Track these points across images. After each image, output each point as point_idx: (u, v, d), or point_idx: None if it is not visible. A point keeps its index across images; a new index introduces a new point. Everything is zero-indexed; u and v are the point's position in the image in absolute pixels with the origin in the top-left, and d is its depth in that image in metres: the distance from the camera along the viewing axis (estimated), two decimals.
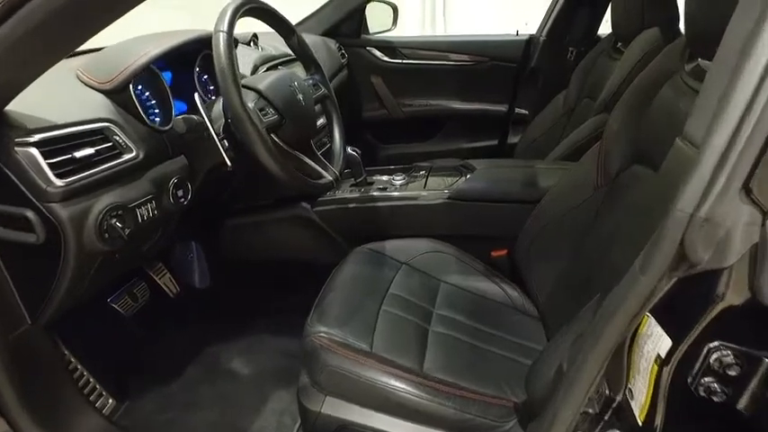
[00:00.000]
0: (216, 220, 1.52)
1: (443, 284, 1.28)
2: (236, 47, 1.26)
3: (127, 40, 1.09)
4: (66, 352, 1.16)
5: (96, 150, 0.90)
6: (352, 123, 2.29)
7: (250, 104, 0.97)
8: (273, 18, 1.14)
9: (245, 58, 1.39)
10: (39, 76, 0.79)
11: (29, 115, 0.86)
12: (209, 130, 0.96)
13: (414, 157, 2.24)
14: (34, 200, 0.84)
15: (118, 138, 0.95)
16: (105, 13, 0.73)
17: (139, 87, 1.08)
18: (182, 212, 1.11)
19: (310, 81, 1.22)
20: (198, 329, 1.56)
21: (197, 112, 1.04)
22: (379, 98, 2.25)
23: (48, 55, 0.76)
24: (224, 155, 0.97)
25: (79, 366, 1.20)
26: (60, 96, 0.95)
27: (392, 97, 2.24)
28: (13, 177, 0.83)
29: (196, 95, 0.97)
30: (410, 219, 1.46)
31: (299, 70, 1.35)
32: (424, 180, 1.54)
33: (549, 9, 2.12)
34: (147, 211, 0.98)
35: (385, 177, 1.58)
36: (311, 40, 2.01)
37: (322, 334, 1.02)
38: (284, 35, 1.19)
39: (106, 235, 0.90)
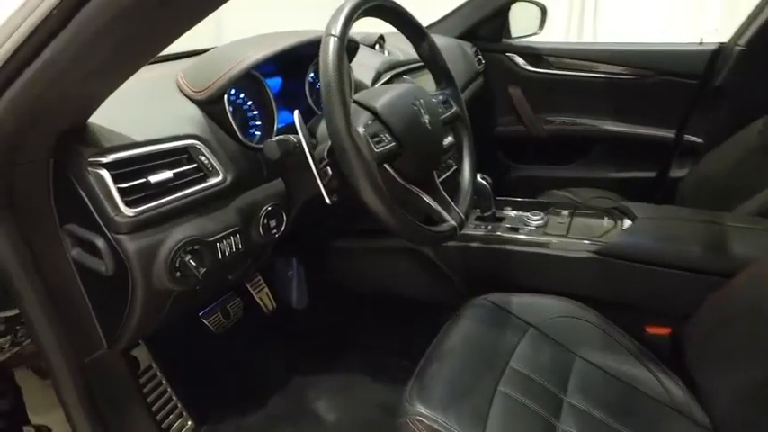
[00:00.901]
0: (320, 240, 1.34)
1: (579, 360, 0.97)
2: (356, 51, 1.05)
3: (233, 41, 0.92)
4: (153, 365, 1.05)
5: (175, 174, 0.73)
6: (483, 138, 2.01)
7: (360, 129, 0.74)
8: (401, 19, 0.90)
9: (368, 64, 1.18)
10: (117, 86, 0.64)
11: (109, 129, 0.71)
12: (306, 156, 0.75)
13: (550, 182, 1.90)
14: (104, 227, 0.69)
15: (204, 158, 0.77)
16: (180, 15, 0.54)
17: (241, 96, 0.91)
18: (274, 242, 0.93)
19: (440, 97, 0.97)
20: (288, 356, 1.40)
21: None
22: (517, 112, 1.93)
23: (122, 62, 0.59)
24: (322, 188, 0.76)
25: (164, 382, 1.08)
26: (151, 106, 0.80)
27: (531, 112, 1.91)
28: (86, 200, 0.69)
29: (296, 113, 0.76)
30: (545, 271, 1.16)
31: (427, 80, 1.10)
32: (567, 223, 1.21)
33: (753, 12, 1.63)
34: (230, 246, 0.80)
35: (518, 214, 1.28)
36: (445, 43, 1.75)
37: (421, 417, 0.80)
38: (413, 40, 0.95)
39: (178, 273, 0.74)
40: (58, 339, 0.79)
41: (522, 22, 1.97)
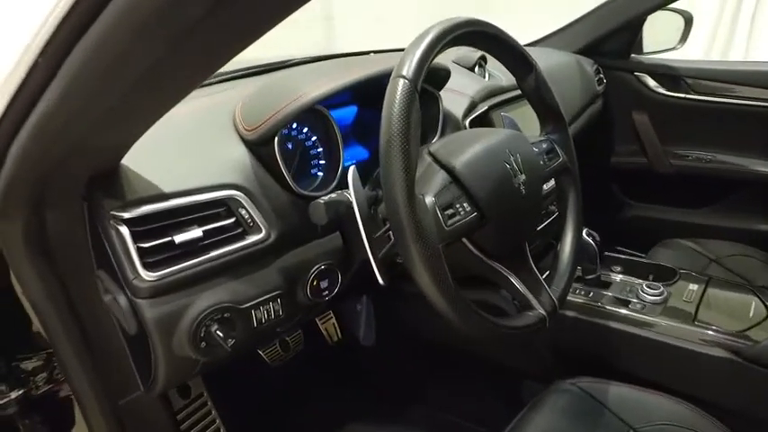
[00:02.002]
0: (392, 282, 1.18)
1: None
2: (446, 80, 0.86)
3: (301, 68, 0.77)
4: (205, 393, 0.97)
5: (206, 231, 0.60)
6: (596, 169, 1.71)
7: (429, 198, 0.56)
8: (502, 47, 0.69)
9: (462, 90, 0.98)
10: (141, 132, 0.52)
11: (138, 176, 0.60)
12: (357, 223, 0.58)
13: (672, 227, 1.56)
14: (125, 287, 0.59)
15: (244, 212, 0.64)
16: (210, 47, 0.39)
17: (304, 131, 0.76)
18: (327, 304, 0.78)
19: (544, 145, 0.75)
20: (347, 398, 1.26)
21: None
22: (640, 141, 1.60)
23: (136, 109, 0.47)
24: (374, 266, 0.59)
25: (213, 411, 1.00)
26: (193, 146, 0.67)
27: (658, 142, 1.57)
28: (110, 254, 0.59)
29: (352, 169, 0.60)
30: (657, 362, 0.89)
31: (526, 114, 0.87)
32: (696, 302, 0.93)
33: None
34: (269, 312, 0.67)
35: (629, 280, 1.01)
36: (561, 59, 1.49)
37: None
38: (517, 72, 0.74)
39: (203, 344, 0.62)
40: (91, 382, 0.71)
41: (658, 35, 1.63)
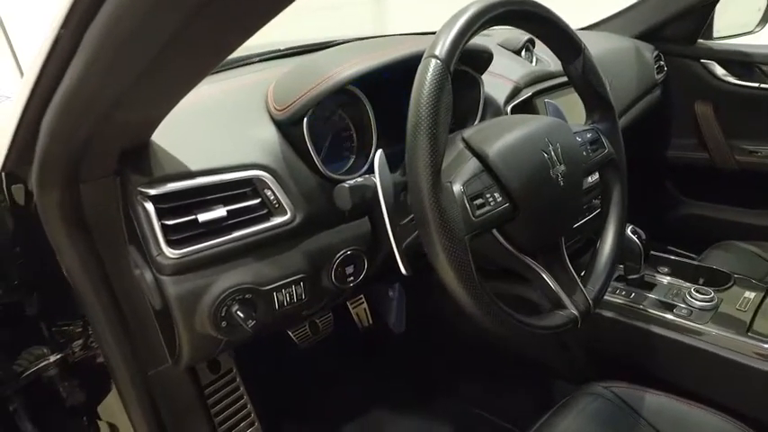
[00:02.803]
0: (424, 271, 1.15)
1: None
2: (488, 62, 0.81)
3: (334, 48, 0.75)
4: (234, 368, 0.99)
5: (230, 211, 0.60)
6: (650, 162, 1.60)
7: (458, 186, 0.52)
8: (549, 29, 0.64)
9: (506, 75, 0.93)
10: (168, 109, 0.51)
11: (166, 153, 0.59)
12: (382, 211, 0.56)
13: (731, 228, 1.45)
14: (150, 263, 0.60)
15: (270, 193, 0.63)
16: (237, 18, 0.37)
17: (339, 113, 0.74)
18: (353, 290, 0.76)
19: (588, 135, 0.70)
20: (373, 384, 1.25)
21: None
22: (701, 135, 1.48)
23: (161, 85, 0.46)
24: (398, 256, 0.56)
25: (241, 387, 1.02)
26: (224, 125, 0.66)
27: (722, 136, 1.45)
28: (137, 229, 0.59)
29: (379, 153, 0.57)
30: (700, 371, 0.83)
31: (574, 102, 0.81)
32: (752, 311, 0.85)
33: None
34: (291, 296, 0.66)
35: (676, 283, 0.94)
36: (618, 44, 1.39)
37: None
38: (563, 55, 0.68)
39: (224, 323, 0.62)
40: (122, 352, 0.73)
41: (733, 18, 1.48)
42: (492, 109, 0.87)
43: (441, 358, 1.26)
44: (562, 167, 0.60)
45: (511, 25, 0.61)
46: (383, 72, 0.68)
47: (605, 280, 0.67)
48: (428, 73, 0.50)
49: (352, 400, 1.20)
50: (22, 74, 2.76)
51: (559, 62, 0.70)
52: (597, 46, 1.32)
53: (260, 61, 0.96)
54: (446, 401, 1.17)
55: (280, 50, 0.97)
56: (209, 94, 0.77)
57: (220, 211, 0.59)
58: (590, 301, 0.64)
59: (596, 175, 0.85)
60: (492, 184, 0.55)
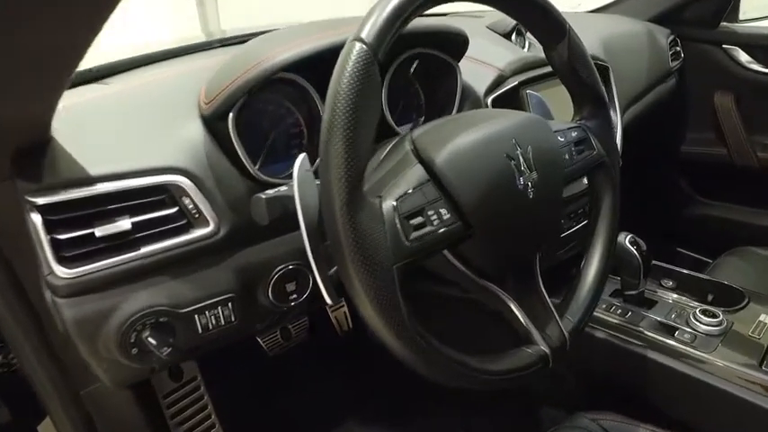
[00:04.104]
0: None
1: None
2: (464, 46, 0.70)
3: (275, 32, 0.63)
4: (199, 377, 0.91)
5: (137, 224, 0.50)
6: (661, 158, 1.45)
7: (388, 203, 0.41)
8: (521, 5, 0.52)
9: (490, 61, 0.80)
10: (50, 98, 0.41)
11: (65, 155, 0.49)
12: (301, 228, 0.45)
13: (749, 232, 1.31)
14: (46, 284, 0.51)
15: (189, 201, 0.53)
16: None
17: (286, 107, 0.63)
18: (301, 309, 0.66)
19: (574, 134, 0.57)
20: (347, 397, 1.15)
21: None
22: (720, 129, 1.33)
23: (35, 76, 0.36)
24: (320, 283, 0.46)
25: (205, 397, 0.94)
26: (144, 121, 0.56)
27: (743, 131, 1.29)
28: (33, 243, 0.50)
29: (301, 157, 0.46)
30: (705, 410, 0.71)
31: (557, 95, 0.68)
32: None
33: None
34: (217, 319, 0.56)
35: (681, 301, 0.82)
36: (626, 28, 1.24)
37: None
38: (544, 39, 0.56)
39: (134, 350, 0.52)
40: (47, 371, 0.65)
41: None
42: (470, 101, 0.75)
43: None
44: (533, 175, 0.48)
45: (471, 1, 0.49)
46: (329, 58, 0.57)
47: (587, 309, 0.56)
48: (349, 61, 0.38)
49: (325, 409, 1.11)
50: None
51: None
52: (605, 30, 1.18)
53: (221, 47, 0.85)
54: (423, 422, 1.08)
55: (240, 37, 0.86)
56: (139, 83, 0.67)
57: (124, 224, 0.49)
58: (566, 335, 0.53)
59: (584, 183, 0.73)
60: (438, 197, 0.44)
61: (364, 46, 0.39)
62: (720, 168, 1.35)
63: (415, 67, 0.73)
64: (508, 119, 0.51)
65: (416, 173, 0.45)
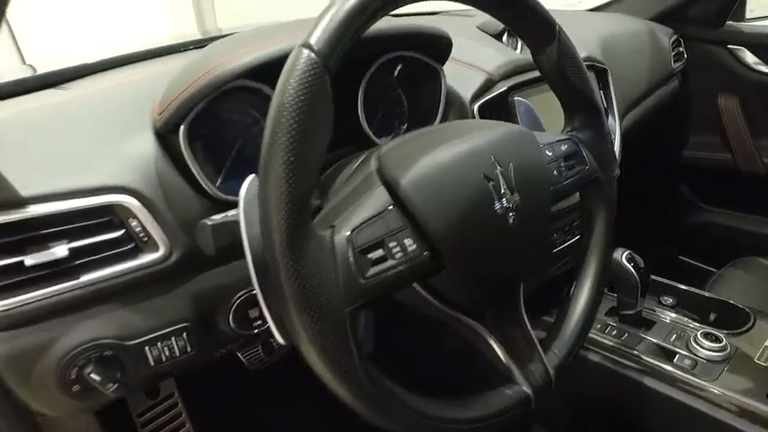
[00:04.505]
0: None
1: None
2: (448, 49, 0.65)
3: (233, 36, 0.58)
4: (176, 393, 0.86)
5: (75, 249, 0.45)
6: (663, 163, 1.39)
7: (342, 234, 0.36)
8: (504, 3, 0.46)
9: (478, 64, 0.74)
10: None
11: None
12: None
13: (754, 241, 1.24)
14: None
15: (137, 224, 0.47)
16: None
17: (252, 117, 0.58)
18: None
19: (563, 147, 0.52)
20: (332, 412, 1.10)
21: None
22: (724, 133, 1.27)
23: None
24: (270, 320, 0.40)
25: (183, 414, 0.89)
26: (90, 133, 0.51)
27: (749, 135, 1.23)
28: None
29: (248, 180, 0.40)
30: None
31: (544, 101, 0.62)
32: None
33: None
34: (171, 350, 0.51)
35: (680, 321, 0.76)
36: (626, 28, 1.18)
37: None
38: (530, 41, 0.51)
39: (76, 387, 0.47)
40: None
41: None
42: (456, 108, 0.69)
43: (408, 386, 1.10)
44: (514, 198, 0.43)
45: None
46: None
47: (575, 342, 0.50)
48: (295, 71, 0.33)
49: (308, 427, 1.06)
50: (23, 60, 2.67)
51: None
52: (604, 29, 1.12)
53: (194, 48, 0.80)
54: None
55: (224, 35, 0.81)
56: (95, 90, 0.62)
57: (59, 250, 0.44)
58: (551, 372, 0.48)
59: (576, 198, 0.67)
60: (402, 225, 0.38)
61: (312, 53, 0.33)
62: (724, 174, 1.29)
63: (398, 72, 0.67)
64: (488, 132, 0.45)
65: (379, 197, 0.39)
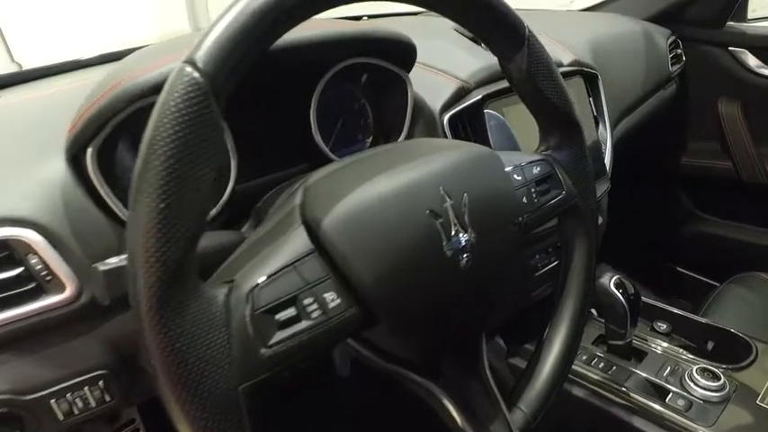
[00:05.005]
0: None
1: None
2: (412, 55, 0.58)
3: (153, 45, 0.50)
4: (138, 418, 0.80)
5: None
6: (659, 170, 1.32)
7: (241, 290, 0.29)
8: (462, 5, 0.39)
9: (451, 70, 0.67)
10: None
11: None
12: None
13: (756, 253, 1.16)
14: None
15: (37, 261, 0.40)
16: None
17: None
18: None
19: (535, 170, 0.44)
20: None
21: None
22: (725, 140, 1.19)
23: None
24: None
25: None
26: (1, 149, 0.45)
27: (751, 142, 1.15)
28: None
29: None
30: None
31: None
32: None
33: None
34: (85, 401, 0.44)
35: (674, 351, 0.68)
36: (623, 28, 1.10)
37: None
38: (495, 48, 0.43)
39: None
40: None
41: None
42: (424, 120, 0.62)
43: (383, 414, 1.03)
44: (468, 236, 0.36)
45: (393, 0, 0.37)
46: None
47: (546, 397, 0.43)
48: (174, 93, 0.26)
49: None
50: (11, 57, 2.61)
51: None
52: (597, 31, 1.04)
53: None
54: None
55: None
56: (14, 103, 0.55)
57: None
58: None
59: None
60: (324, 276, 0.31)
61: (196, 72, 0.26)
62: (725, 183, 1.21)
63: (364, 80, 0.60)
64: (439, 158, 0.38)
65: (296, 240, 0.32)
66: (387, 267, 0.33)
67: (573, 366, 0.68)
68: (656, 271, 1.31)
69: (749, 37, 1.15)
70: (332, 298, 0.31)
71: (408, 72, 0.60)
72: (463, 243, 0.35)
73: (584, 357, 0.69)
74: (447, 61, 0.68)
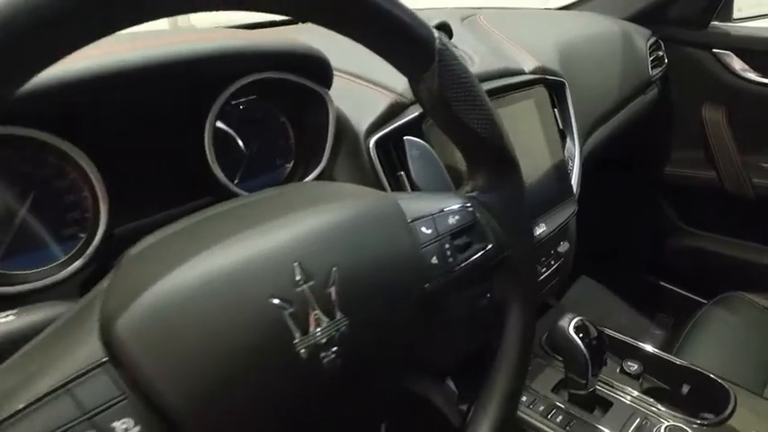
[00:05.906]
0: None
1: None
2: (323, 66, 0.48)
3: None
4: None
5: None
6: (640, 180, 1.22)
7: (5, 411, 0.20)
8: (351, 14, 0.29)
9: (388, 83, 0.57)
10: None
11: None
12: None
13: (742, 269, 1.07)
14: None
15: None
16: None
17: (54, 168, 0.41)
18: None
19: (453, 219, 0.34)
20: None
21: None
22: (709, 148, 1.09)
23: None
24: None
25: None
26: None
27: (736, 151, 1.05)
28: None
29: None
30: None
31: (527, 108, 0.44)
32: None
33: None
34: None
35: (647, 403, 0.59)
36: (600, 29, 1.00)
37: None
38: (400, 65, 0.33)
39: None
40: None
41: None
42: (348, 143, 0.52)
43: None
44: (335, 326, 0.26)
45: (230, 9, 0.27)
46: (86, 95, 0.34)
47: None
48: None
49: None
50: None
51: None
52: (570, 32, 0.94)
53: None
54: None
55: None
56: None
57: None
58: None
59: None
60: (118, 396, 0.22)
61: None
62: (709, 194, 1.11)
63: (281, 96, 0.51)
64: (308, 217, 0.28)
65: (81, 347, 0.22)
66: (206, 381, 0.23)
67: (528, 419, 0.59)
68: (638, 285, 1.22)
69: (734, 38, 1.05)
70: (125, 427, 0.22)
71: (327, 87, 0.50)
72: (326, 337, 0.26)
73: (542, 408, 0.60)
74: (379, 70, 0.58)
